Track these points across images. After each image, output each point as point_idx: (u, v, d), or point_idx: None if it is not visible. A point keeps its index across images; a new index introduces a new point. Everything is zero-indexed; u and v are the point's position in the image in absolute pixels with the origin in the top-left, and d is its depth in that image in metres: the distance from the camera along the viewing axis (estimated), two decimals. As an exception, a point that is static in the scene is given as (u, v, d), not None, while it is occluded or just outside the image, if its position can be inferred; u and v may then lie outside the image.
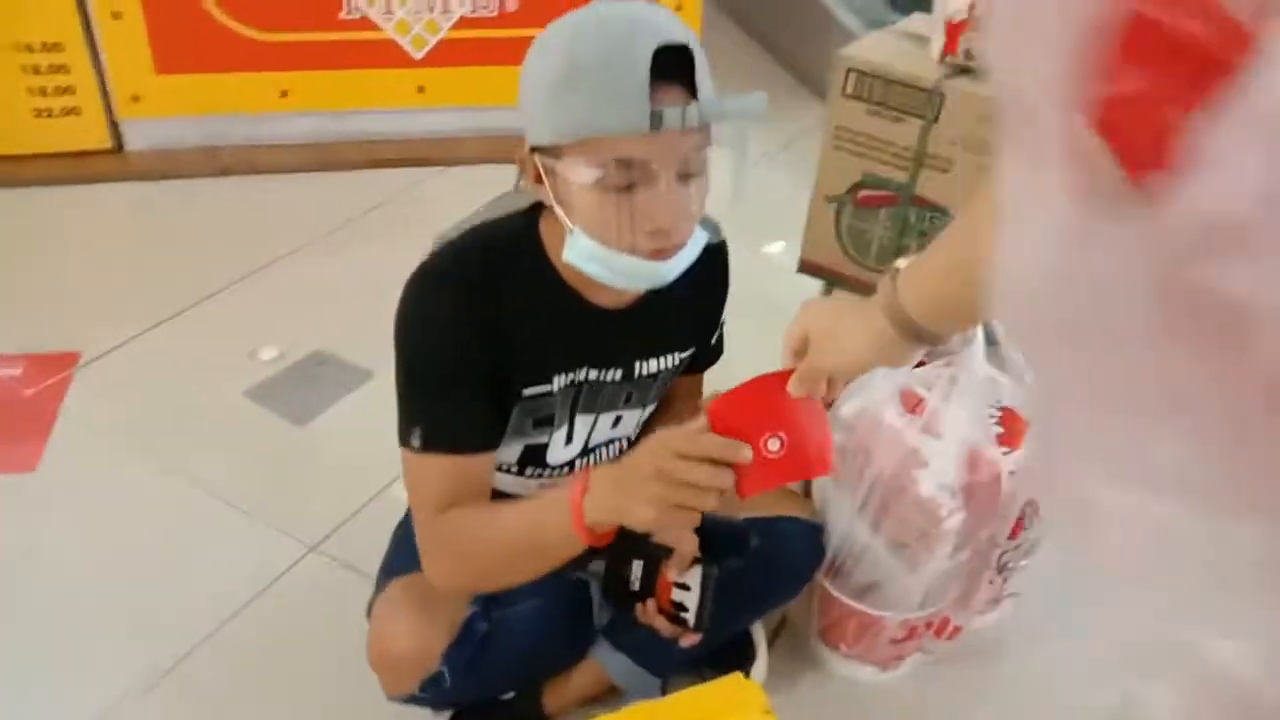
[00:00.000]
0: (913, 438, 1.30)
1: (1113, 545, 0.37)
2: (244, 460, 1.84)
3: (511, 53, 2.54)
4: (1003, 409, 1.33)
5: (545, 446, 1.27)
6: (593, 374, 1.22)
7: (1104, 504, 0.37)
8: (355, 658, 1.29)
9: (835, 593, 1.43)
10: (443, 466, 1.14)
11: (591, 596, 1.40)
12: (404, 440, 1.14)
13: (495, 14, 2.72)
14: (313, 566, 1.64)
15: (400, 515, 1.43)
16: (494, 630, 1.26)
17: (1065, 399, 0.38)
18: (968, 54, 1.42)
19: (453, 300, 1.13)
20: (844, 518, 1.39)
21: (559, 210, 1.06)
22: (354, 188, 2.71)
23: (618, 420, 1.32)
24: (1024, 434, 1.31)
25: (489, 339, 1.12)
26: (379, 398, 1.86)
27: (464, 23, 2.71)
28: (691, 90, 0.99)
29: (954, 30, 1.42)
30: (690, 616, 1.21)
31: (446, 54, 2.74)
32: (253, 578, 1.60)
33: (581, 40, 0.98)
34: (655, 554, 1.23)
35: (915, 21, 1.58)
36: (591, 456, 1.34)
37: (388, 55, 2.71)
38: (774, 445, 0.98)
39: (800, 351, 0.93)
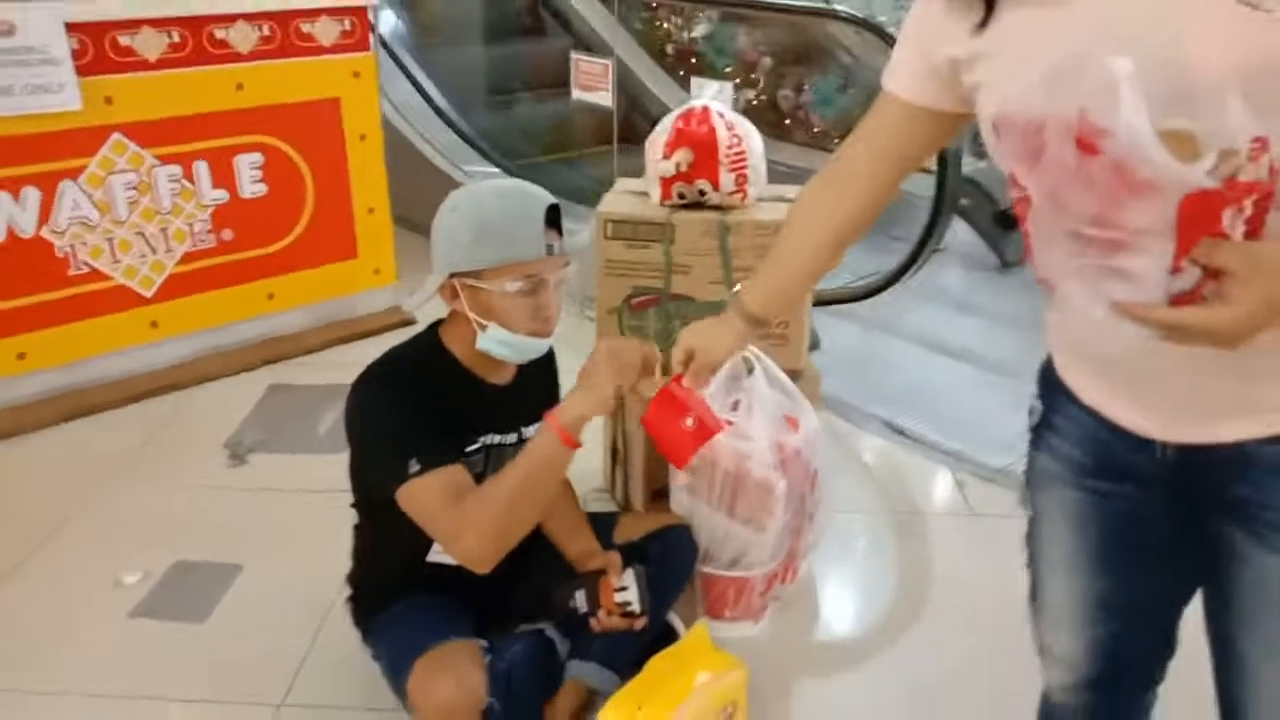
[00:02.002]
0: (739, 443, 1.91)
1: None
2: (173, 661, 1.97)
3: (235, 275, 2.94)
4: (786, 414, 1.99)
5: None
6: (497, 439, 1.71)
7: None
8: None
9: (713, 571, 1.98)
10: (442, 477, 1.56)
11: (553, 639, 1.82)
12: (401, 477, 1.55)
13: (214, 244, 3.03)
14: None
15: (344, 647, 1.81)
16: (508, 664, 1.66)
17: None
18: (680, 195, 2.13)
19: (391, 388, 1.63)
20: (704, 515, 1.96)
21: (473, 315, 1.60)
22: (114, 425, 2.82)
23: None
24: (800, 424, 1.98)
25: (424, 402, 1.59)
26: (261, 581, 2.13)
27: (187, 257, 2.99)
28: (559, 231, 1.61)
29: (666, 184, 2.13)
30: (636, 605, 1.72)
31: (176, 287, 2.99)
32: None
33: (484, 209, 1.58)
34: (591, 579, 1.73)
35: (633, 182, 2.29)
36: None
37: (120, 299, 2.90)
38: (689, 423, 1.56)
39: (686, 360, 1.51)
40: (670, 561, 1.89)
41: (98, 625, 2.06)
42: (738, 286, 1.47)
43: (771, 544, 1.96)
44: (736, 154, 2.07)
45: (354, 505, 1.84)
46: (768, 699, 1.85)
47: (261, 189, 3.07)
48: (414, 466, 1.55)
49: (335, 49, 3.10)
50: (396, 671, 1.68)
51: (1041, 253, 0.86)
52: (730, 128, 2.08)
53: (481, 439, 1.69)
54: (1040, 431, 1.15)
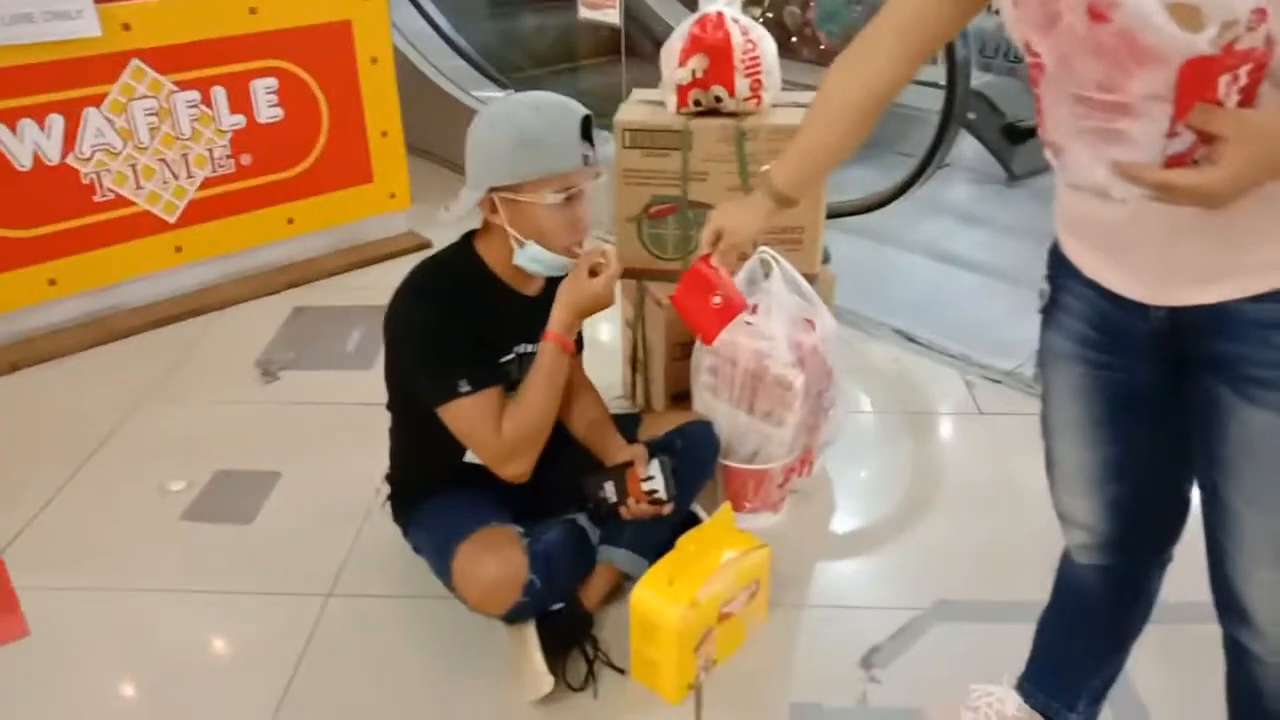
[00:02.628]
0: (757, 342, 1.99)
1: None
2: (223, 558, 2.08)
3: (255, 199, 3.00)
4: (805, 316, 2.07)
5: None
6: (530, 348, 1.80)
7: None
8: (431, 655, 1.76)
9: (734, 464, 2.07)
10: (489, 398, 1.69)
11: (584, 528, 1.92)
12: (451, 394, 1.66)
13: (234, 169, 3.08)
14: (338, 609, 1.95)
15: (386, 542, 1.96)
16: (545, 546, 1.76)
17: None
18: (696, 103, 2.17)
19: (437, 305, 1.71)
20: (724, 412, 2.04)
21: (511, 230, 1.66)
22: (145, 349, 2.91)
23: None
24: (817, 325, 2.05)
25: (460, 318, 1.68)
26: (301, 486, 2.23)
27: (208, 182, 3.04)
28: (591, 142, 1.65)
29: (683, 91, 2.17)
30: (663, 493, 1.81)
31: (198, 213, 3.05)
32: (292, 639, 1.86)
33: (520, 123, 1.62)
34: (619, 472, 1.82)
35: (648, 92, 2.33)
36: None
37: (144, 225, 2.96)
38: (717, 300, 1.67)
39: (715, 240, 1.59)
40: (693, 453, 1.97)
41: (150, 528, 2.17)
42: (766, 166, 1.53)
43: (789, 438, 2.05)
44: (751, 59, 2.11)
45: (389, 407, 1.93)
46: (788, 579, 1.96)
47: (278, 113, 3.11)
48: (464, 387, 1.66)
49: (345, -31, 3.11)
50: (440, 557, 1.79)
51: (1050, 115, 0.92)
52: (745, 33, 2.12)
53: (515, 349, 1.78)
54: (1049, 310, 1.23)
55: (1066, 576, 1.46)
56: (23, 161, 2.69)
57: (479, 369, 1.69)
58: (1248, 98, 0.83)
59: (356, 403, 2.63)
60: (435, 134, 4.13)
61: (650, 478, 1.83)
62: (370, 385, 2.67)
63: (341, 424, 2.55)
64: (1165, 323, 1.06)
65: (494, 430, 1.69)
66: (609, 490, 1.84)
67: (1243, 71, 0.82)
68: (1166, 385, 1.13)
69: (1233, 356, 1.03)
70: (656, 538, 1.87)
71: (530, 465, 1.73)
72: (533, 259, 1.70)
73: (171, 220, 3.01)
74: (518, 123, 1.62)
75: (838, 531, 2.20)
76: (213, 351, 2.91)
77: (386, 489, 2.02)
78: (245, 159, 3.09)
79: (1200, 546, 1.19)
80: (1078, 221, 1.13)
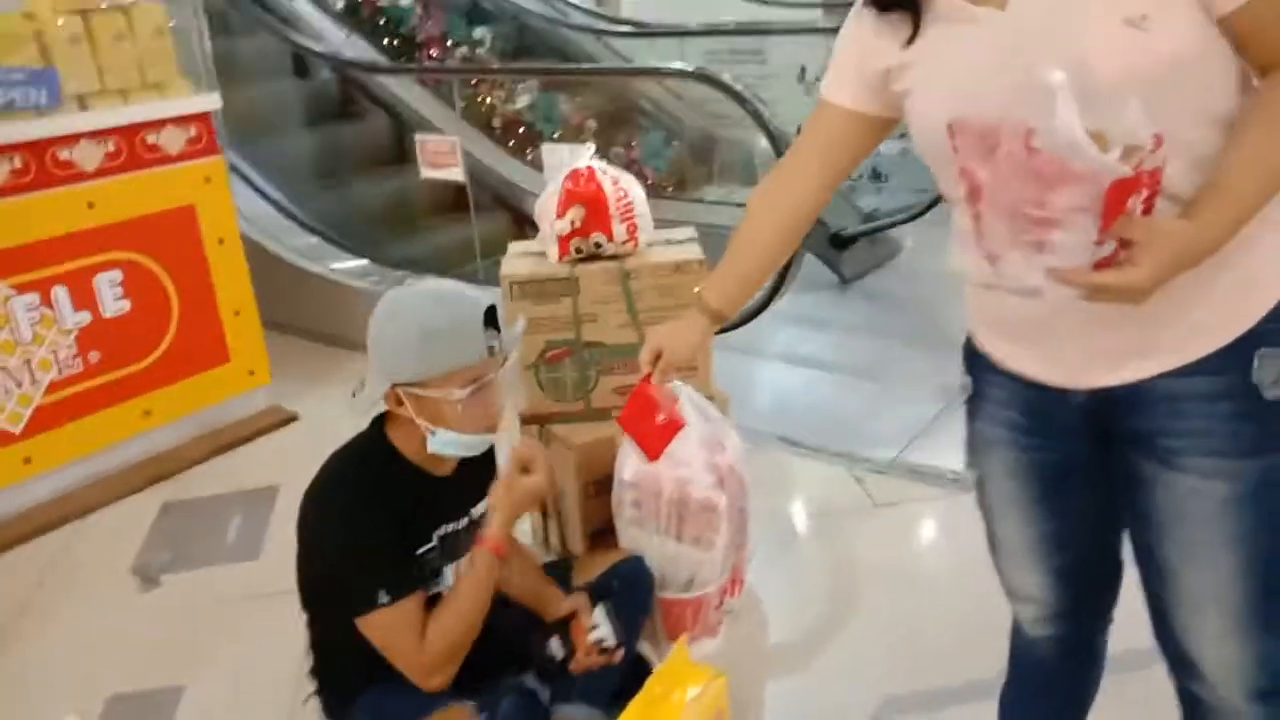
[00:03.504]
0: (678, 470, 2.03)
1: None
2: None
3: (107, 396, 2.87)
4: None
5: (440, 595, 1.78)
6: (450, 527, 1.77)
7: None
8: None
9: (671, 595, 2.08)
10: (408, 608, 1.63)
11: (534, 689, 1.87)
12: (370, 606, 1.60)
13: (82, 369, 2.92)
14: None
15: None
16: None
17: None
18: (577, 250, 2.25)
19: (355, 505, 1.65)
20: (653, 543, 2.06)
21: (420, 421, 1.64)
22: (2, 573, 2.65)
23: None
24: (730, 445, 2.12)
25: (386, 517, 1.64)
26: (208, 698, 2.08)
27: (54, 386, 2.86)
28: (497, 328, 1.66)
29: (564, 241, 2.25)
30: (611, 639, 1.81)
31: (46, 419, 2.85)
32: None
33: (424, 316, 1.60)
34: (563, 626, 1.83)
35: (524, 245, 2.40)
36: None
37: (-14, 441, 2.74)
38: (660, 418, 1.71)
39: (654, 359, 1.62)
40: (631, 591, 1.97)
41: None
42: (697, 288, 1.59)
43: (720, 559, 2.08)
44: (625, 205, 2.23)
45: (305, 606, 1.83)
46: (743, 704, 1.96)
47: (125, 305, 2.98)
48: (383, 598, 1.59)
49: (183, 156, 3.07)
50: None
51: (989, 230, 1.04)
52: (615, 181, 2.24)
53: (435, 533, 1.74)
54: (975, 402, 1.33)
55: (1020, 650, 1.54)
56: None
57: (399, 576, 1.63)
58: (1148, 209, 0.97)
59: (250, 595, 2.49)
60: (288, 307, 4.06)
61: (595, 626, 1.82)
62: (260, 575, 2.57)
63: (238, 622, 2.39)
64: (1085, 404, 1.18)
65: (415, 642, 1.63)
66: (554, 647, 1.81)
67: (1145, 189, 0.96)
68: (1096, 459, 1.23)
69: (1149, 430, 1.14)
70: (608, 685, 1.84)
71: (453, 674, 1.66)
72: (449, 444, 1.65)
73: (16, 431, 2.80)
74: (419, 317, 1.59)
75: (775, 646, 2.23)
76: (80, 565, 2.68)
77: (311, 686, 1.90)
78: (93, 356, 2.94)
79: (1128, 596, 1.29)
80: (996, 319, 1.24)
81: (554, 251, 2.27)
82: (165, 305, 3.09)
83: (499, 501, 1.70)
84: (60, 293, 2.83)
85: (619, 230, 2.23)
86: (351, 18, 5.50)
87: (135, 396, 3.05)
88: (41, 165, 2.75)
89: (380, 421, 1.72)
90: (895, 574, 2.47)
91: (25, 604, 2.50)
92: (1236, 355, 1.06)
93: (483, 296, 1.64)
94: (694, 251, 2.29)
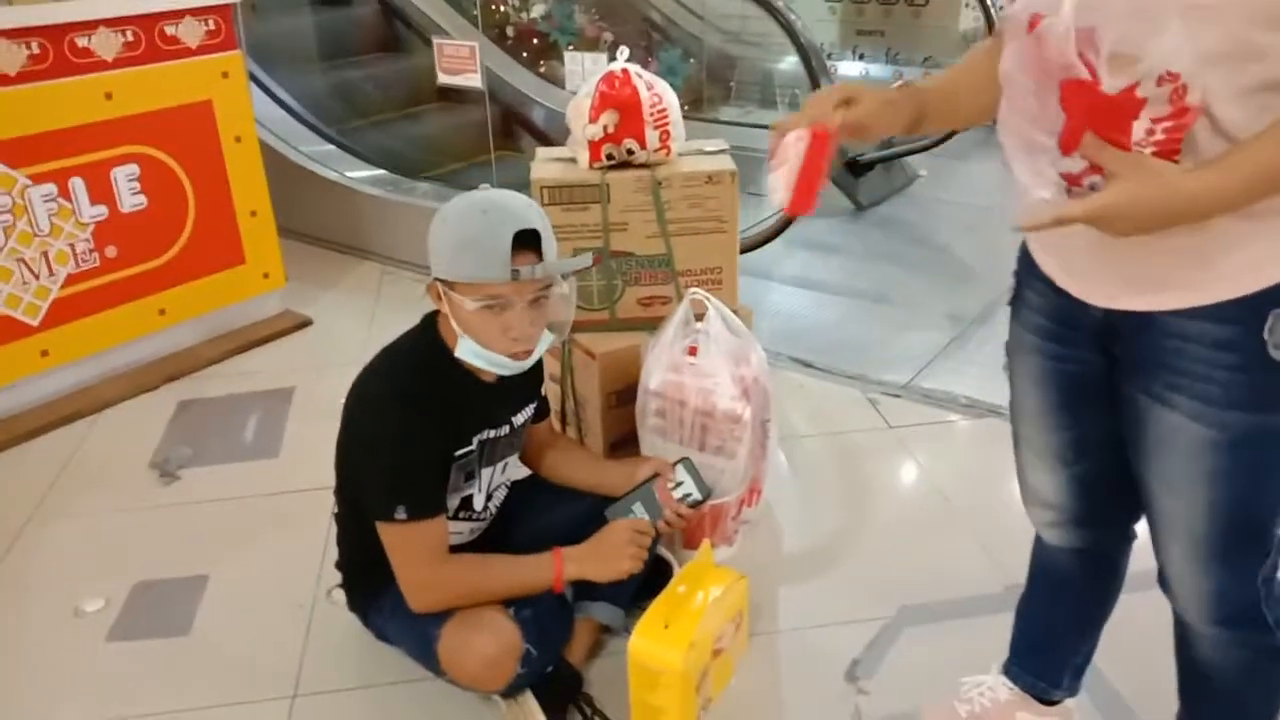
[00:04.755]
0: (703, 381, 2.05)
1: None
2: (168, 675, 1.93)
3: (124, 293, 2.86)
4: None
5: (471, 497, 1.80)
6: (491, 433, 1.78)
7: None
8: None
9: (691, 504, 2.11)
10: (426, 529, 1.67)
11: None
12: (387, 515, 1.64)
13: (98, 264, 2.90)
14: (308, 711, 1.84)
15: (341, 632, 1.91)
16: (532, 613, 1.74)
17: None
18: (608, 156, 2.23)
19: (404, 406, 1.66)
20: (676, 452, 2.08)
21: (453, 322, 1.64)
22: (19, 464, 2.67)
23: (505, 467, 1.88)
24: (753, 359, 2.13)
25: (431, 425, 1.65)
26: (233, 587, 2.11)
27: (71, 279, 2.84)
28: (539, 254, 1.63)
29: (595, 146, 2.23)
30: (696, 493, 1.87)
31: (63, 312, 2.84)
32: None
33: (466, 223, 1.59)
34: (644, 489, 1.85)
35: (554, 150, 2.38)
36: (491, 501, 1.88)
37: (5, 331, 2.73)
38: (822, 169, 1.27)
39: (843, 102, 1.21)
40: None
41: (76, 657, 1.98)
42: (900, 79, 1.47)
43: (741, 470, 2.10)
44: (659, 111, 2.19)
45: (337, 493, 1.86)
46: (756, 608, 2.00)
47: (141, 201, 2.95)
48: (400, 513, 1.63)
49: (202, 50, 3.01)
50: (422, 643, 1.73)
51: (1006, 123, 1.05)
52: (650, 87, 2.20)
53: (477, 437, 1.75)
54: (1015, 303, 1.35)
55: (1041, 560, 1.57)
56: None
57: (422, 495, 1.65)
58: (1165, 152, 0.96)
59: (270, 493, 2.52)
60: (303, 214, 4.03)
61: (679, 483, 1.86)
62: (280, 473, 2.59)
63: (260, 516, 2.42)
64: (1101, 321, 1.18)
65: (421, 563, 1.67)
66: (639, 512, 1.85)
67: (1159, 127, 0.94)
68: (1110, 377, 1.24)
69: (1151, 363, 1.15)
70: (629, 585, 1.87)
71: (432, 609, 1.70)
72: (470, 353, 1.66)
73: (35, 323, 2.79)
74: (460, 222, 1.59)
75: (790, 555, 2.27)
76: (99, 458, 2.70)
77: (337, 578, 1.94)
78: (110, 251, 2.91)
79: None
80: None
81: (584, 157, 2.24)
82: (182, 202, 3.06)
83: (584, 558, 1.74)
84: (78, 184, 2.80)
85: (652, 137, 2.20)
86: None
87: (151, 294, 3.04)
88: (60, 52, 2.69)
89: (432, 321, 1.73)
90: (909, 493, 2.50)
91: (45, 495, 2.53)
92: (1254, 309, 1.06)
93: (533, 217, 1.61)
94: (726, 163, 2.26)
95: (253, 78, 3.96)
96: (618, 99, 2.17)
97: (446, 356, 1.70)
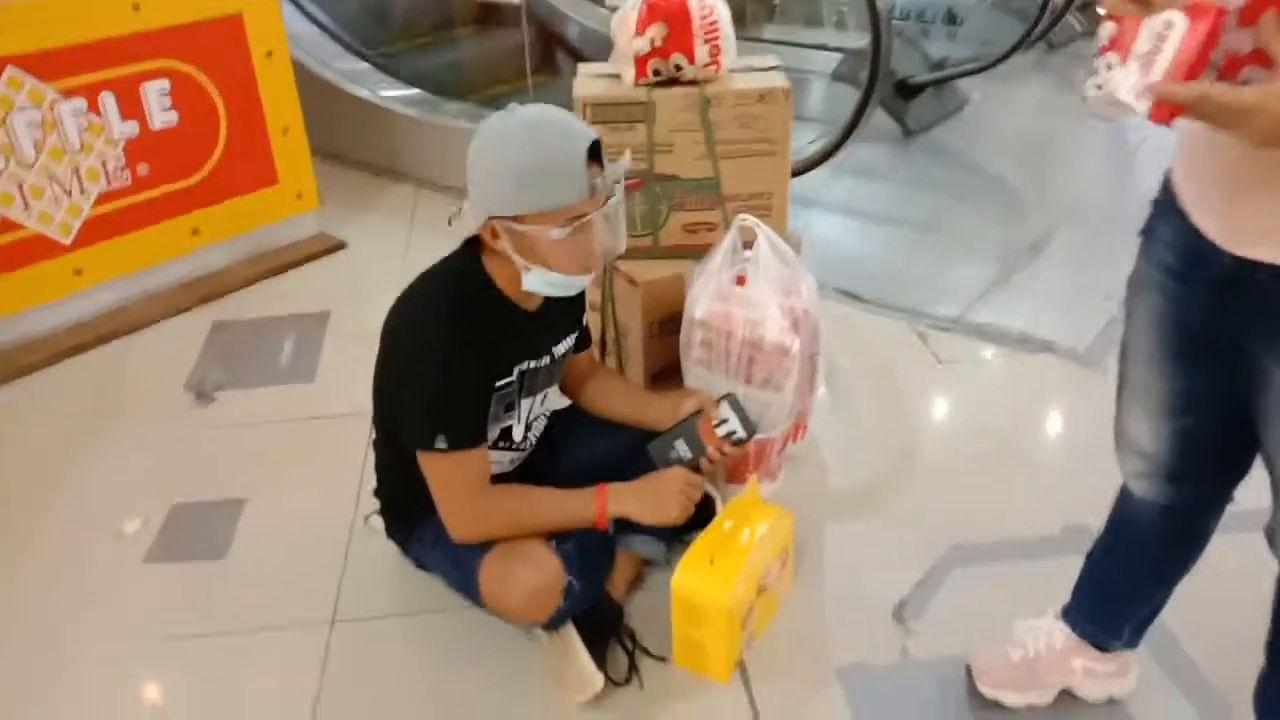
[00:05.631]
0: (751, 311, 1.96)
1: None
2: (206, 598, 1.92)
3: (157, 212, 2.80)
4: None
5: (511, 427, 1.74)
6: (531, 364, 1.72)
7: None
8: (461, 671, 1.70)
9: (736, 437, 2.05)
10: (467, 459, 1.62)
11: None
12: (427, 444, 1.59)
13: (130, 182, 2.84)
14: (347, 637, 1.82)
15: (380, 558, 1.89)
16: (574, 545, 1.70)
17: None
18: (655, 72, 2.12)
19: (446, 334, 1.58)
20: (721, 385, 2.01)
21: (516, 257, 1.55)
22: (55, 385, 2.66)
23: (544, 398, 1.82)
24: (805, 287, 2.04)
25: (473, 354, 1.58)
26: (271, 511, 2.09)
27: (104, 197, 2.79)
28: (600, 164, 1.54)
29: (641, 61, 2.12)
30: (741, 431, 1.77)
31: (96, 231, 2.80)
32: (303, 676, 1.73)
33: (527, 150, 1.47)
34: (686, 427, 1.77)
35: (597, 66, 2.26)
36: (531, 431, 1.82)
37: (38, 249, 2.70)
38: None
39: None
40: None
41: (114, 578, 1.98)
42: None
43: (788, 403, 2.03)
44: (710, 24, 2.07)
45: (375, 421, 1.81)
46: (801, 545, 1.94)
47: (173, 117, 2.88)
48: (440, 443, 1.57)
49: (231, -42, 2.90)
50: (464, 572, 1.69)
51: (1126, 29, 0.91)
52: (700, -1, 2.08)
53: (518, 367, 1.69)
54: (1146, 238, 1.23)
55: (1123, 510, 1.48)
56: (-107, 188, 2.40)
57: (463, 425, 1.60)
58: None
59: (307, 417, 2.49)
60: (337, 135, 3.94)
61: (723, 420, 1.79)
62: (317, 398, 2.56)
63: (297, 441, 2.40)
64: (1230, 269, 1.07)
65: (461, 494, 1.63)
66: (681, 449, 1.77)
67: None
68: (1231, 328, 1.14)
69: (1273, 324, 1.05)
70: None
71: (475, 541, 1.66)
72: (545, 283, 1.58)
73: (68, 241, 2.75)
74: (517, 152, 1.48)
75: (836, 492, 2.21)
76: (133, 379, 2.69)
77: (375, 505, 1.90)
78: (142, 169, 2.86)
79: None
80: (1189, 152, 1.13)
81: (630, 73, 2.14)
82: (213, 119, 2.98)
83: (630, 495, 1.67)
84: (108, 100, 2.73)
85: (701, 52, 2.09)
86: None
87: (183, 213, 2.99)
88: (85, -40, 2.60)
89: (475, 244, 1.64)
90: (959, 430, 2.43)
91: (78, 418, 2.52)
92: None
93: (585, 129, 1.52)
94: (779, 80, 2.14)
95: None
96: (666, 10, 2.05)
97: (488, 285, 1.64)
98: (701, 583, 1.64)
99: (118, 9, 2.69)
